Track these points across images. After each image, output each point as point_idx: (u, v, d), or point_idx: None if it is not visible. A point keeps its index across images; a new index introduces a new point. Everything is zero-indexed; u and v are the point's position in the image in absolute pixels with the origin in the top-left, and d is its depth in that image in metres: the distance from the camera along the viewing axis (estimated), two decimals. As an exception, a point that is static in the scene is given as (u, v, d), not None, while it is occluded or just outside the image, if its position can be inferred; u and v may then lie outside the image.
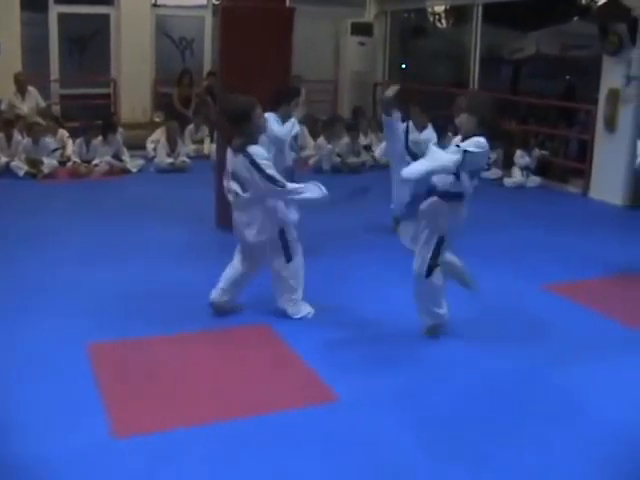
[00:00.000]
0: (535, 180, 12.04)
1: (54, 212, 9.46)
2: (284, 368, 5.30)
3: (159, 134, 12.70)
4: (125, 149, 12.15)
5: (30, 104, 12.78)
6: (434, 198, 5.41)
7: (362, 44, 16.41)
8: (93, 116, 13.01)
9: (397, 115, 8.29)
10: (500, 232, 8.88)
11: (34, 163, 11.32)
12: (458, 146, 5.19)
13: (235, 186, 5.67)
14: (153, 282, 6.82)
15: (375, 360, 5.40)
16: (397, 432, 4.47)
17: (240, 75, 7.55)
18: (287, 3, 9.30)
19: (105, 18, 14.89)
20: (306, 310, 6.10)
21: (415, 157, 7.21)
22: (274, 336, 5.76)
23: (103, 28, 14.94)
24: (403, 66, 17.96)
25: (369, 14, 16.71)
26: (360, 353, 5.53)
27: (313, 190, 5.69)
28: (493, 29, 15.90)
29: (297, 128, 7.06)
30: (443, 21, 20.79)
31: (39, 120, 12.39)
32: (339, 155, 12.73)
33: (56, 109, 14.38)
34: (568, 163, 12.73)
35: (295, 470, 4.05)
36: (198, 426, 4.43)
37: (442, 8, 19.63)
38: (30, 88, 12.89)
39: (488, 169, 12.33)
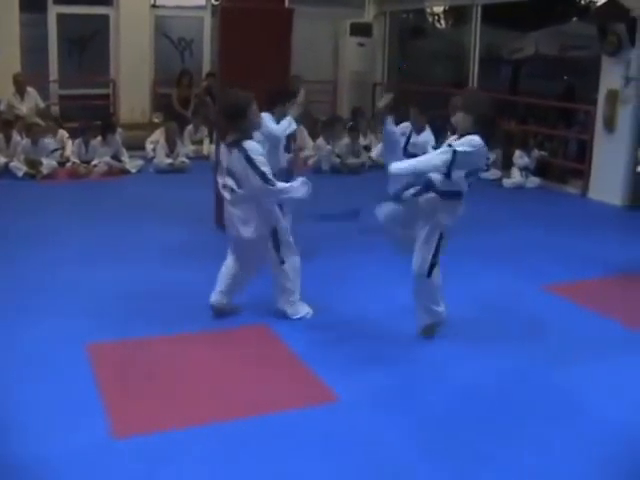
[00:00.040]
0: (534, 181, 12.04)
1: (53, 212, 9.46)
2: (283, 368, 5.30)
3: (158, 135, 12.70)
4: (124, 150, 12.16)
5: (29, 105, 12.79)
6: (432, 195, 5.40)
7: (361, 45, 16.41)
8: (92, 117, 13.02)
9: (390, 122, 8.19)
10: (500, 232, 8.89)
11: (33, 164, 11.32)
12: (450, 145, 5.20)
13: (231, 182, 5.66)
14: (153, 282, 6.82)
15: (374, 360, 5.40)
16: (397, 432, 4.47)
17: (239, 76, 7.53)
18: (286, 4, 9.30)
19: (104, 19, 14.88)
20: (305, 310, 6.10)
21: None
22: (273, 336, 5.77)
23: (102, 29, 14.92)
24: (402, 67, 17.96)
25: (368, 15, 16.71)
26: (359, 353, 5.53)
27: (300, 190, 5.69)
28: (492, 29, 15.93)
29: (294, 126, 7.04)
30: (442, 21, 20.82)
31: (38, 121, 12.39)
32: (338, 156, 12.73)
33: (55, 110, 14.37)
34: (567, 164, 12.74)
35: (295, 470, 4.05)
36: (198, 426, 4.43)
37: (441, 9, 19.65)
38: (29, 89, 12.89)
39: (487, 170, 12.34)
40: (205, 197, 8.48)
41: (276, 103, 7.03)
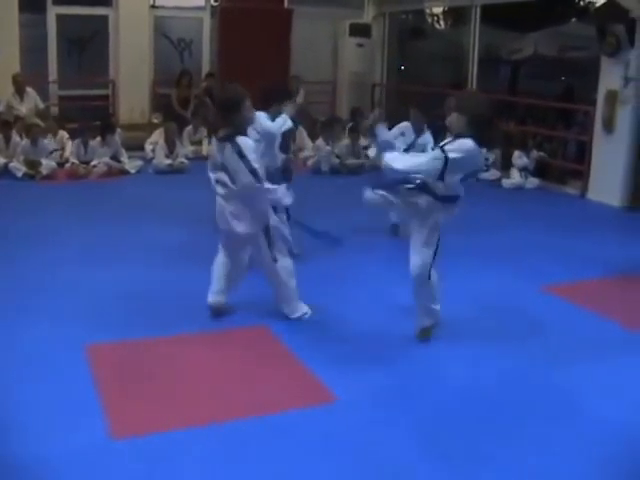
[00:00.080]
0: (533, 181, 12.05)
1: (53, 213, 9.46)
2: (283, 368, 5.30)
3: (157, 135, 12.70)
4: (123, 150, 12.16)
5: (29, 105, 12.79)
6: (430, 199, 5.38)
7: (360, 45, 16.41)
8: (92, 117, 13.03)
9: (383, 131, 8.14)
10: (499, 233, 8.90)
11: (32, 164, 11.32)
12: (442, 150, 5.18)
13: (224, 177, 5.65)
14: (152, 283, 6.82)
15: (374, 360, 5.40)
16: (397, 432, 4.47)
17: (239, 76, 7.54)
18: (285, 4, 9.32)
19: (104, 19, 14.90)
20: (302, 310, 6.08)
21: None
22: (272, 337, 5.76)
23: (102, 29, 14.94)
24: (402, 67, 17.99)
25: (367, 15, 16.72)
26: (359, 353, 5.53)
27: (285, 195, 5.71)
28: (491, 30, 15.96)
29: (289, 123, 7.01)
30: (441, 22, 20.84)
31: (38, 121, 12.40)
32: (338, 156, 12.73)
33: (54, 110, 14.38)
34: (566, 164, 12.75)
35: (295, 470, 4.05)
36: (197, 427, 4.43)
37: (440, 9, 19.67)
38: (29, 89, 12.90)
39: (487, 170, 12.36)
40: (204, 198, 8.43)
41: (271, 101, 6.99)
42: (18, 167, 11.25)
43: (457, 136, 5.28)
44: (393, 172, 5.38)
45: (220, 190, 5.74)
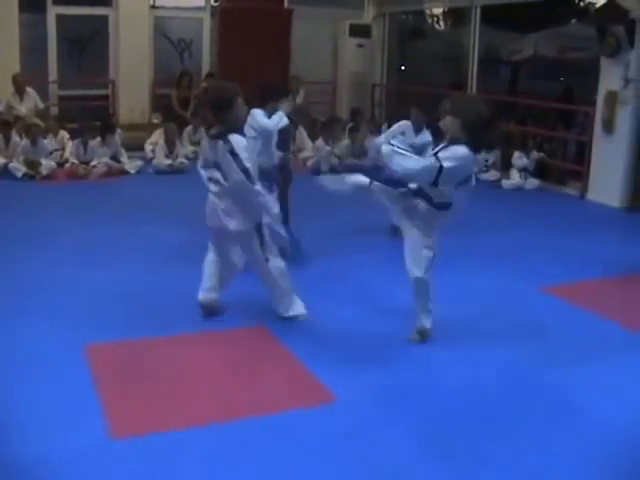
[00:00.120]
0: (533, 182, 12.05)
1: (53, 213, 9.46)
2: (282, 369, 5.30)
3: (157, 136, 12.70)
4: (123, 150, 12.17)
5: (29, 105, 12.79)
6: (426, 204, 5.38)
7: (360, 46, 16.42)
8: (91, 117, 13.03)
9: (374, 147, 8.13)
10: (499, 233, 8.90)
11: (32, 164, 11.33)
12: (437, 158, 5.18)
13: (217, 174, 5.63)
14: (152, 283, 6.82)
15: (374, 360, 5.40)
16: (397, 432, 4.47)
17: (238, 76, 7.53)
18: (285, 4, 9.32)
19: (104, 19, 14.89)
20: (297, 311, 6.03)
21: None
22: (272, 337, 5.76)
23: (102, 29, 14.93)
24: (402, 68, 18.01)
25: (367, 16, 16.72)
26: (358, 353, 5.53)
27: (274, 204, 5.70)
28: (491, 31, 15.96)
29: (285, 121, 6.98)
30: (441, 23, 20.84)
31: (37, 121, 12.40)
32: (338, 157, 12.72)
33: (54, 110, 14.38)
34: (566, 165, 12.74)
35: (295, 470, 4.06)
36: (197, 427, 4.43)
37: (440, 10, 19.66)
38: (28, 89, 12.90)
39: (487, 171, 12.37)
40: (204, 198, 8.45)
41: (268, 98, 6.97)
42: (18, 167, 11.25)
43: (451, 141, 5.29)
44: (394, 169, 5.39)
45: (213, 187, 5.73)
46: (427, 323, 5.70)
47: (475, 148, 5.28)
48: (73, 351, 5.33)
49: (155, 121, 14.03)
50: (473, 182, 5.62)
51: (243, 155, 5.47)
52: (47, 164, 11.44)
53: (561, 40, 15.91)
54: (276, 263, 5.88)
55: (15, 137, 11.72)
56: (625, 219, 10.36)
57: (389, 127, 8.30)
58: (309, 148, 13.23)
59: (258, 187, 5.57)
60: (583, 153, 11.73)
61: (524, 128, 13.13)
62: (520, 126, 13.18)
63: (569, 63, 16.41)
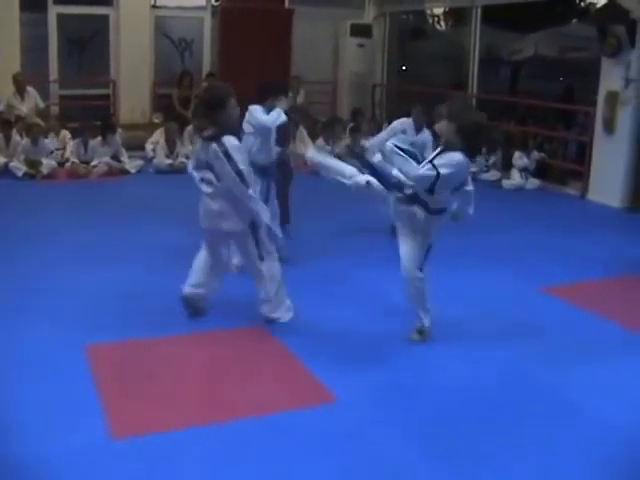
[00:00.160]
0: (534, 182, 12.05)
1: (53, 212, 9.46)
2: (282, 368, 5.30)
3: (158, 135, 12.69)
4: (124, 150, 12.17)
5: (29, 105, 12.79)
6: (422, 210, 5.38)
7: (361, 45, 16.42)
8: (92, 117, 13.03)
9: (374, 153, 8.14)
10: (499, 233, 8.89)
11: (33, 164, 11.33)
12: (434, 165, 5.18)
13: (209, 175, 5.62)
14: (152, 283, 6.81)
15: (373, 360, 5.41)
16: (397, 432, 4.47)
17: (239, 76, 7.55)
18: (286, 4, 9.31)
19: (104, 19, 14.89)
20: (281, 314, 5.92)
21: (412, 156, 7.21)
22: (272, 337, 5.75)
23: (102, 29, 14.93)
24: (403, 68, 18.01)
25: (368, 15, 16.72)
26: (358, 353, 5.53)
27: (265, 211, 5.66)
28: (492, 31, 15.96)
29: (283, 117, 6.97)
30: (442, 23, 20.83)
31: (38, 121, 12.40)
32: (339, 156, 12.69)
33: (55, 110, 14.38)
34: (567, 165, 12.74)
35: (295, 470, 4.05)
36: (197, 427, 4.43)
37: (441, 10, 19.66)
38: (29, 88, 12.89)
39: (487, 171, 12.38)
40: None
41: (267, 95, 6.95)
42: (18, 166, 11.26)
43: (446, 145, 5.30)
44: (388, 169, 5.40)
45: (206, 188, 5.70)
46: (426, 322, 5.71)
47: (470, 154, 5.30)
48: (73, 351, 5.33)
49: (156, 121, 14.03)
50: (470, 187, 5.63)
51: (237, 157, 5.46)
52: (48, 163, 11.44)
53: (562, 40, 15.91)
54: (270, 262, 5.83)
55: (16, 136, 11.73)
56: (626, 219, 10.35)
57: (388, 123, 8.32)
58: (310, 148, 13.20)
59: (251, 192, 5.55)
60: (584, 153, 11.73)
61: (525, 128, 13.13)
62: (521, 126, 13.18)
63: (570, 63, 16.41)
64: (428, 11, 19.35)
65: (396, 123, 8.40)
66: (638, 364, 5.55)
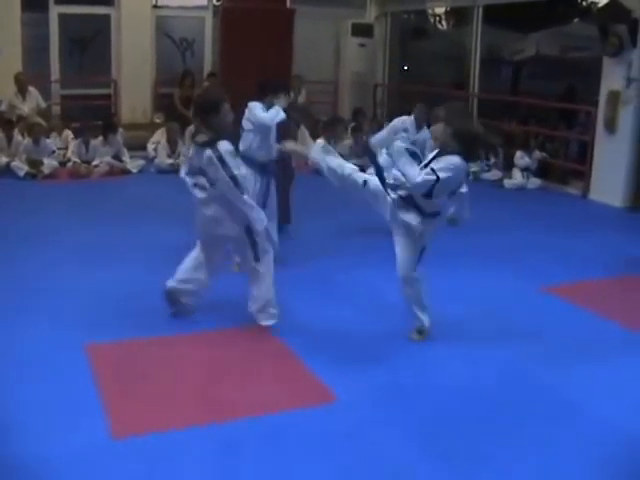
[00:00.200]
0: (535, 182, 12.05)
1: (54, 212, 9.47)
2: (282, 369, 5.30)
3: (159, 135, 12.70)
4: (125, 150, 12.18)
5: (31, 104, 12.79)
6: (417, 215, 5.38)
7: (362, 45, 16.43)
8: (93, 116, 13.03)
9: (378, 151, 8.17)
10: (500, 233, 8.89)
11: (34, 163, 11.34)
12: (433, 170, 5.17)
13: (202, 180, 5.60)
14: (152, 283, 6.76)
15: (373, 360, 5.40)
16: (396, 432, 4.47)
17: (240, 76, 7.54)
18: (287, 4, 9.30)
19: (106, 19, 14.90)
20: (266, 318, 5.84)
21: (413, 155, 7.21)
22: (272, 337, 5.75)
23: (104, 29, 14.94)
24: (405, 67, 18.00)
25: (369, 15, 16.73)
26: (358, 353, 5.53)
27: (260, 215, 5.61)
28: (493, 30, 15.92)
29: (282, 115, 6.95)
30: (443, 22, 20.79)
31: (40, 121, 12.41)
32: (340, 156, 12.67)
33: (56, 109, 14.39)
34: (568, 165, 12.72)
35: (294, 470, 4.05)
36: (197, 426, 4.43)
37: (442, 9, 19.63)
38: (31, 88, 12.89)
39: (489, 170, 12.38)
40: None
41: (267, 92, 6.94)
42: (20, 166, 11.27)
43: (441, 149, 5.30)
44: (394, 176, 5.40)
45: (199, 194, 5.68)
46: (425, 321, 5.70)
47: (466, 158, 5.29)
48: (73, 351, 5.33)
49: (157, 120, 14.05)
50: (464, 189, 5.63)
51: (231, 163, 5.45)
52: (49, 163, 11.45)
53: (563, 40, 15.88)
54: (266, 263, 5.78)
55: (17, 136, 11.74)
56: (627, 219, 10.35)
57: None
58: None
59: (246, 197, 5.54)
60: (585, 153, 11.72)
61: (526, 128, 13.11)
62: (522, 126, 13.17)
63: (571, 63, 16.37)
64: (429, 11, 19.31)
65: (397, 121, 8.41)
66: (638, 364, 5.54)
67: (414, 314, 5.70)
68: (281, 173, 7.39)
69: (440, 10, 19.69)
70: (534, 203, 11.15)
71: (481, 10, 14.13)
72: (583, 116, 13.23)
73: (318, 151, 5.79)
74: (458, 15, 19.29)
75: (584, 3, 18.50)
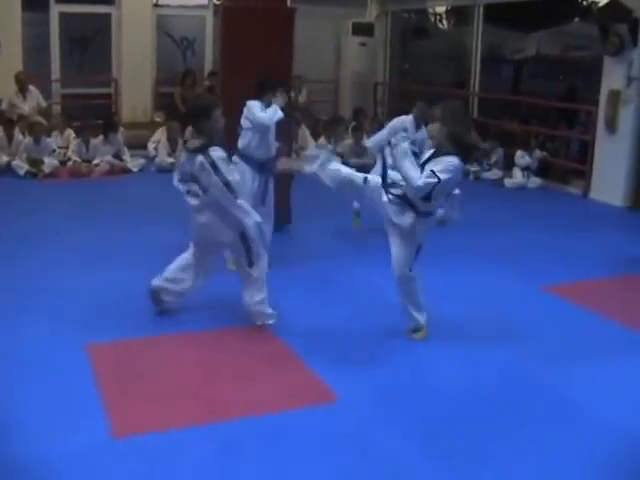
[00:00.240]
0: (536, 181, 12.05)
1: (54, 212, 9.47)
2: (283, 368, 5.29)
3: (160, 134, 12.70)
4: (126, 149, 12.18)
5: (31, 104, 12.80)
6: (412, 216, 5.38)
7: (363, 44, 16.43)
8: (94, 116, 13.03)
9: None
10: (500, 232, 8.89)
11: (35, 162, 11.34)
12: (434, 172, 5.17)
13: (195, 187, 5.59)
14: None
15: (374, 360, 5.40)
16: (397, 432, 4.47)
17: (241, 75, 7.53)
18: (288, 3, 9.28)
19: (106, 18, 14.91)
20: (262, 319, 5.86)
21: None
22: (272, 336, 5.75)
23: (104, 28, 14.95)
24: (406, 66, 18.00)
25: (370, 14, 16.72)
26: (359, 353, 5.53)
27: (255, 219, 5.59)
28: (494, 30, 15.91)
29: (280, 114, 6.94)
30: (444, 22, 20.77)
31: (40, 120, 12.41)
32: (341, 156, 12.68)
33: (57, 109, 14.39)
34: (569, 164, 12.71)
35: (294, 470, 4.06)
36: (197, 426, 4.43)
37: (443, 9, 19.62)
38: (31, 87, 12.91)
39: (489, 169, 12.38)
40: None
41: (265, 92, 6.92)
42: (20, 165, 11.27)
43: (437, 149, 5.30)
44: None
45: (192, 201, 5.67)
46: (421, 319, 5.71)
47: (462, 159, 5.29)
48: (73, 351, 5.33)
49: (158, 119, 14.05)
50: (457, 190, 5.62)
51: (224, 168, 5.45)
52: (50, 162, 11.45)
53: (564, 39, 15.87)
54: (260, 266, 5.76)
55: (18, 135, 11.74)
56: (628, 218, 10.35)
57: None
58: (312, 147, 13.21)
59: (240, 202, 5.54)
60: (586, 152, 11.71)
61: (527, 127, 13.10)
62: (523, 125, 13.16)
63: (572, 62, 16.36)
64: (430, 10, 19.30)
65: (396, 121, 8.40)
66: (638, 364, 5.54)
67: (409, 314, 5.70)
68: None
69: (441, 9, 19.68)
70: (534, 202, 11.14)
71: (482, 9, 14.14)
72: (584, 115, 13.23)
73: (313, 162, 5.75)
74: (459, 14, 19.28)
75: (585, 2, 18.49)
